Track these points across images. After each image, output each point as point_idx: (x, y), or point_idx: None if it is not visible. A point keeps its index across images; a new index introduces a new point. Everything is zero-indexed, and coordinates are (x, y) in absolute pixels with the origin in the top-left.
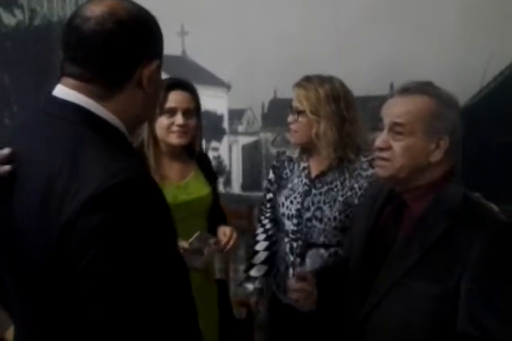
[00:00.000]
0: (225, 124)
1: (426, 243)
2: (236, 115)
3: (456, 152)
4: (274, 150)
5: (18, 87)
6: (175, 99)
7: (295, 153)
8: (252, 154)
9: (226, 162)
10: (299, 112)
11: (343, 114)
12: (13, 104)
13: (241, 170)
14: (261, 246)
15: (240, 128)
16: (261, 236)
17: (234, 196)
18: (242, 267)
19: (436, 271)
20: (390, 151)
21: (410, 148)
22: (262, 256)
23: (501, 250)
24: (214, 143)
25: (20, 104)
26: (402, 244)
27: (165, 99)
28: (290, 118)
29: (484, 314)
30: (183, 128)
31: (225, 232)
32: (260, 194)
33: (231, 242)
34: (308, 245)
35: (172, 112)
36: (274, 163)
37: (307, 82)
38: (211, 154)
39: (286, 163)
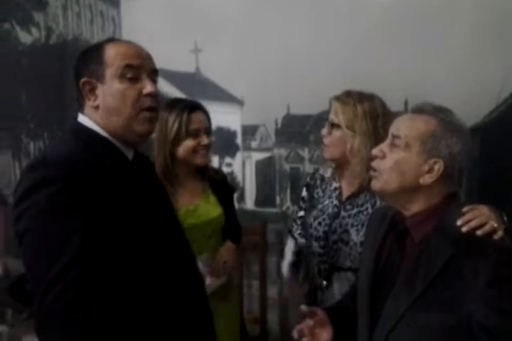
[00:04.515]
0: (239, 140)
1: (430, 273)
2: (249, 131)
3: (458, 180)
4: (287, 166)
5: (34, 104)
6: (197, 120)
7: (327, 172)
8: (265, 170)
9: (239, 178)
10: (334, 125)
11: (380, 133)
12: (30, 122)
13: (254, 186)
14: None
15: (254, 144)
16: (290, 248)
17: (247, 212)
18: (255, 283)
19: (442, 301)
20: (382, 161)
21: (400, 162)
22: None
23: (506, 276)
24: (227, 159)
25: (36, 121)
26: (406, 275)
27: (189, 121)
28: (324, 130)
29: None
30: (207, 148)
31: (221, 255)
32: (273, 210)
33: (227, 265)
34: (336, 269)
35: (197, 133)
36: (308, 180)
37: (346, 96)
38: (225, 170)
39: (318, 182)
